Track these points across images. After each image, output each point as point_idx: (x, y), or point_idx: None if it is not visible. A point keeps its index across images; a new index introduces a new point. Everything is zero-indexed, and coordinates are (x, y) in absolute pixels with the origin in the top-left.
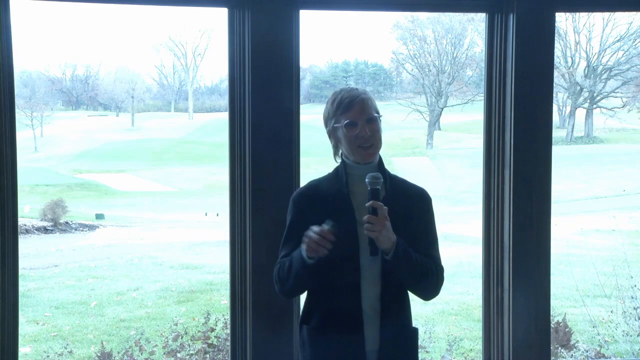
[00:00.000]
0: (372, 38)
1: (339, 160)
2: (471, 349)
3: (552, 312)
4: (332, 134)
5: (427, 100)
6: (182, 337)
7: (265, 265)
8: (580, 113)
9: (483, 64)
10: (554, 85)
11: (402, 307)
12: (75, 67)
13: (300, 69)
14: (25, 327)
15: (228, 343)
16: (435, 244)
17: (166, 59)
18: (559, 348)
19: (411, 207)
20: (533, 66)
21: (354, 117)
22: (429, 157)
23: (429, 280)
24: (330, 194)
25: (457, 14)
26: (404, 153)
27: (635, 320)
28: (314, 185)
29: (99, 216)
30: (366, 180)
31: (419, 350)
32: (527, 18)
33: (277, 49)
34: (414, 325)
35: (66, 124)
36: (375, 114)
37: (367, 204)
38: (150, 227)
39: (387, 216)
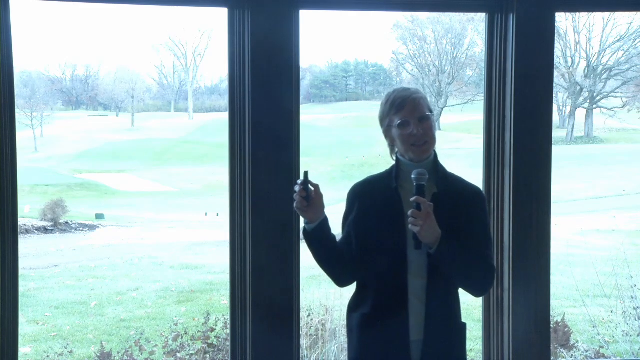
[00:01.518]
0: (372, 38)
1: (395, 159)
2: (471, 349)
3: (552, 312)
4: (387, 133)
5: None
6: (182, 337)
7: (265, 265)
8: (580, 113)
9: (483, 64)
10: (554, 85)
11: (450, 301)
12: (75, 67)
13: (300, 69)
14: (25, 327)
15: (228, 343)
16: (487, 242)
17: (166, 59)
18: (559, 348)
19: (463, 205)
20: (533, 66)
21: (406, 116)
22: None
23: (476, 276)
24: (381, 189)
25: (457, 14)
26: None
27: (635, 320)
28: (369, 180)
29: (99, 216)
30: (412, 176)
31: None
32: (527, 18)
33: (277, 49)
34: (463, 321)
35: (66, 124)
36: (428, 113)
37: (411, 199)
38: (150, 227)
39: (431, 212)
